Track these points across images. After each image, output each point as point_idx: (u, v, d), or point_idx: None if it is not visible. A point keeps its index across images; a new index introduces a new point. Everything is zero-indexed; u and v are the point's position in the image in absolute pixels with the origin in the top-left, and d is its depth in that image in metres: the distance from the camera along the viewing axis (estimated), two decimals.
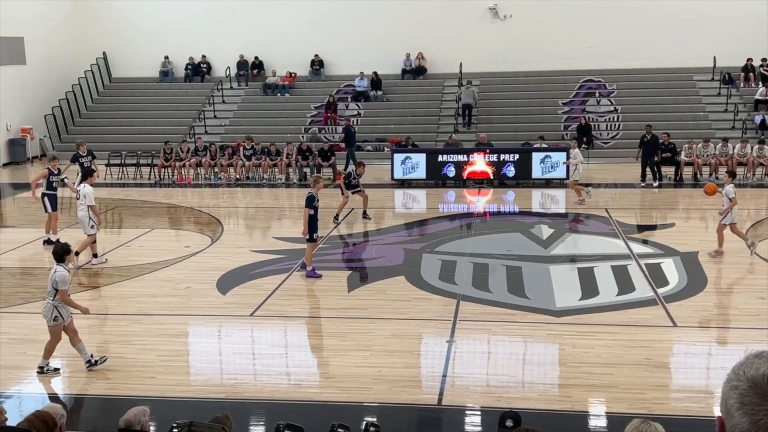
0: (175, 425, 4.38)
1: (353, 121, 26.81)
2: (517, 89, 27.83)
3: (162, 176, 23.00)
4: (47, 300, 9.16)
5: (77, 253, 13.57)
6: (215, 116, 27.70)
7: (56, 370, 9.35)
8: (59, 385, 9.31)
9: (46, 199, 15.09)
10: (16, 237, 15.07)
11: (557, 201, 20.26)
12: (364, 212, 17.24)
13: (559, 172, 21.23)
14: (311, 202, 12.89)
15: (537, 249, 14.71)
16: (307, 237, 12.90)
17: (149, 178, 23.11)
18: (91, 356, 9.32)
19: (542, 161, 21.45)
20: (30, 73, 27.21)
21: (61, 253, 9.29)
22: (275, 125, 26.61)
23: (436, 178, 21.71)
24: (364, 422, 7.30)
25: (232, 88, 28.89)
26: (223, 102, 28.22)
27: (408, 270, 13.38)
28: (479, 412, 8.35)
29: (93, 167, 17.29)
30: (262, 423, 8.22)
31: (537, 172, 21.42)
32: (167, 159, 22.96)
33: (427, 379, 9.16)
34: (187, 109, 28.18)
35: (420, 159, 21.70)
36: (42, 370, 9.25)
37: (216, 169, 23.00)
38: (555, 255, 14.22)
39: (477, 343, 10.32)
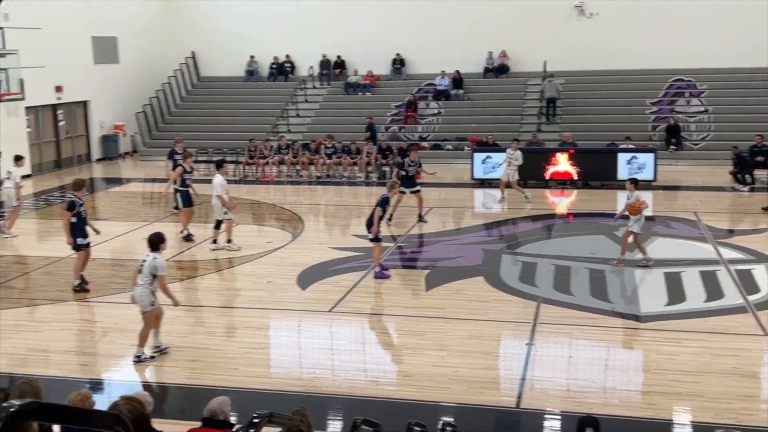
0: (255, 416, 4.45)
1: (436, 120, 26.81)
2: (602, 88, 27.26)
3: (246, 173, 23.47)
4: (142, 286, 9.35)
5: (229, 240, 14.53)
6: (298, 115, 28.10)
7: (152, 358, 9.54)
8: (146, 373, 9.60)
9: (178, 195, 15.60)
10: (108, 229, 15.58)
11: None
12: (420, 215, 16.90)
13: (646, 174, 20.70)
14: (385, 203, 12.95)
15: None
16: (372, 237, 12.91)
17: (234, 175, 23.59)
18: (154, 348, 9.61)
19: (628, 162, 20.95)
20: (123, 72, 28.19)
21: (157, 241, 9.53)
22: (356, 124, 26.80)
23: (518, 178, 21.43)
24: (441, 422, 7.27)
25: (314, 87, 29.25)
26: (306, 101, 28.60)
27: (487, 270, 13.26)
28: (558, 417, 8.21)
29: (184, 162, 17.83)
30: (339, 418, 8.28)
31: (623, 173, 20.93)
32: (251, 156, 23.42)
33: (505, 381, 9.06)
34: (271, 107, 28.68)
35: (501, 158, 21.44)
36: (139, 359, 9.45)
37: (298, 167, 23.34)
38: (640, 259, 13.85)
39: (557, 347, 10.15)
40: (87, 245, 12.36)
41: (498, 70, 28.30)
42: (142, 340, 9.48)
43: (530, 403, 8.39)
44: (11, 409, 2.32)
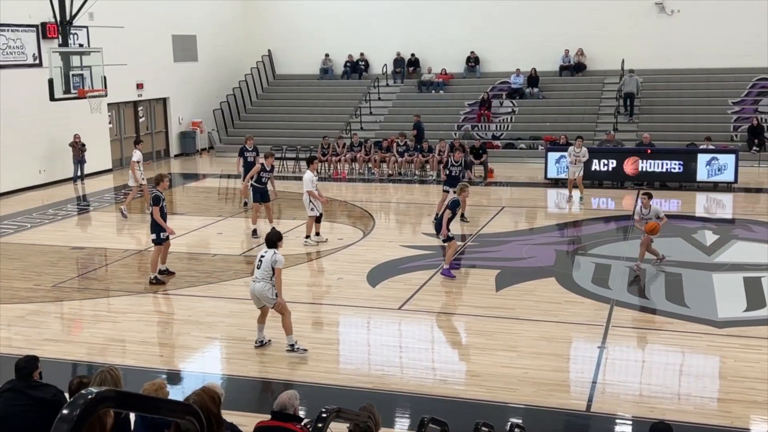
0: (323, 410, 4.50)
1: (509, 118, 26.57)
2: (682, 87, 26.51)
3: (319, 170, 23.70)
4: (263, 282, 9.49)
5: (308, 236, 14.86)
6: (371, 113, 28.23)
7: (305, 350, 9.61)
8: (218, 366, 9.82)
9: (251, 190, 15.94)
10: (184, 224, 16.01)
11: (723, 206, 19.16)
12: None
13: (727, 175, 20.07)
14: (455, 206, 12.90)
15: (699, 255, 13.98)
16: (444, 239, 12.87)
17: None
18: (265, 340, 9.86)
19: (708, 163, 20.35)
20: (201, 70, 28.84)
21: (275, 239, 9.71)
22: (428, 122, 26.73)
23: (591, 178, 21.08)
24: (509, 423, 7.23)
25: (387, 85, 29.34)
26: (379, 99, 28.71)
27: (559, 271, 13.08)
28: (630, 422, 8.04)
29: (256, 162, 18.16)
30: (407, 416, 8.30)
31: (702, 174, 20.36)
32: (324, 154, 23.65)
33: (575, 384, 8.92)
34: (345, 105, 28.89)
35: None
36: (292, 348, 9.56)
37: (369, 165, 23.46)
38: (719, 263, 13.45)
39: (630, 351, 9.94)
40: (167, 238, 12.76)
41: (574, 68, 27.84)
42: (288, 328, 9.62)
43: (601, 407, 8.24)
44: (89, 396, 2.40)
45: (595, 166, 21.04)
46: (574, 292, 12.06)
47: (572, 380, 9.09)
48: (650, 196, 13.29)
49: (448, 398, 8.46)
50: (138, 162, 17.87)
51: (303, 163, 24.18)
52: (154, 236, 12.66)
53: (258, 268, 9.58)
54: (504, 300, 11.66)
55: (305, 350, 9.63)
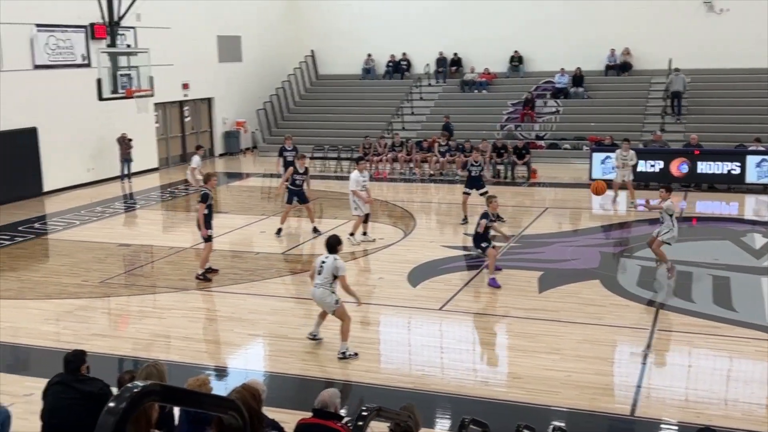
0: (364, 409, 4.50)
1: (553, 118, 26.34)
2: (731, 87, 25.97)
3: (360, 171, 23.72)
4: (322, 288, 9.43)
5: (352, 234, 14.85)
6: (413, 113, 28.21)
7: (355, 354, 9.55)
8: (260, 362, 9.89)
9: (286, 192, 15.95)
10: (228, 222, 16.17)
11: None
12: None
13: None
14: (485, 217, 12.66)
15: (748, 259, 13.69)
16: (481, 251, 12.72)
17: (348, 172, 23.94)
18: (318, 335, 9.93)
19: (758, 165, 19.92)
20: (245, 70, 29.12)
21: (335, 244, 9.58)
22: (471, 122, 26.65)
23: (637, 179, 20.78)
24: (551, 426, 7.15)
25: (430, 84, 29.29)
26: (421, 99, 28.67)
27: (604, 274, 12.92)
28: (675, 427, 7.90)
29: (295, 162, 18.23)
30: (447, 416, 8.27)
31: (752, 176, 19.93)
32: (366, 153, 23.69)
33: (619, 388, 8.80)
34: (387, 105, 28.91)
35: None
36: (344, 355, 9.45)
37: (411, 165, 23.43)
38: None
39: (676, 355, 9.77)
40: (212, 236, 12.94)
41: (620, 67, 27.48)
42: (345, 334, 9.53)
43: (646, 411, 8.12)
44: (135, 390, 2.44)
45: (642, 167, 20.73)
46: (619, 294, 11.90)
47: (616, 384, 8.96)
48: (669, 190, 13.04)
49: (489, 400, 8.41)
50: (195, 168, 18.36)
51: (345, 163, 24.32)
52: (206, 234, 12.69)
53: (319, 274, 9.48)
54: (547, 302, 11.55)
55: (356, 354, 9.58)
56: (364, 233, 15.18)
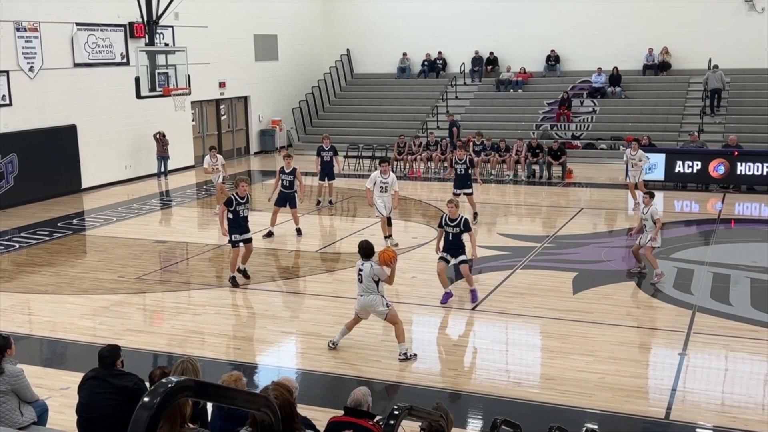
0: (396, 408, 4.50)
1: (590, 118, 26.10)
2: None
3: (394, 169, 23.75)
4: (372, 295, 9.34)
5: (388, 236, 14.62)
6: (448, 112, 28.12)
7: (414, 355, 9.51)
8: (293, 360, 9.95)
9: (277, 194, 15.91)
10: (262, 220, 16.25)
11: None
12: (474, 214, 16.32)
13: None
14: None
15: None
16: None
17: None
18: (338, 343, 9.77)
19: None
20: (281, 69, 29.29)
21: (371, 250, 9.45)
22: (506, 121, 26.51)
23: (675, 180, 20.52)
24: (585, 428, 7.09)
25: (465, 83, 29.18)
26: (456, 98, 28.58)
27: (639, 275, 12.76)
28: (711, 431, 7.79)
29: (334, 162, 18.41)
30: (479, 417, 8.24)
31: None
32: (400, 152, 23.70)
33: (654, 391, 8.69)
34: (422, 104, 28.87)
35: (659, 159, 20.59)
36: (406, 357, 9.38)
37: (445, 164, 23.37)
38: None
39: (712, 359, 9.63)
40: (244, 241, 12.45)
41: (659, 67, 27.12)
42: (401, 336, 9.45)
43: (681, 415, 8.01)
44: (169, 385, 2.46)
45: (679, 167, 20.47)
46: (654, 296, 11.76)
47: (651, 387, 8.86)
48: (652, 196, 12.71)
49: (522, 401, 8.36)
50: (206, 168, 18.53)
51: (377, 162, 24.31)
52: (227, 235, 12.48)
53: (360, 282, 9.41)
54: (581, 303, 11.45)
55: (415, 355, 9.54)
56: (388, 236, 14.72)
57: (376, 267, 9.30)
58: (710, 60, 25.48)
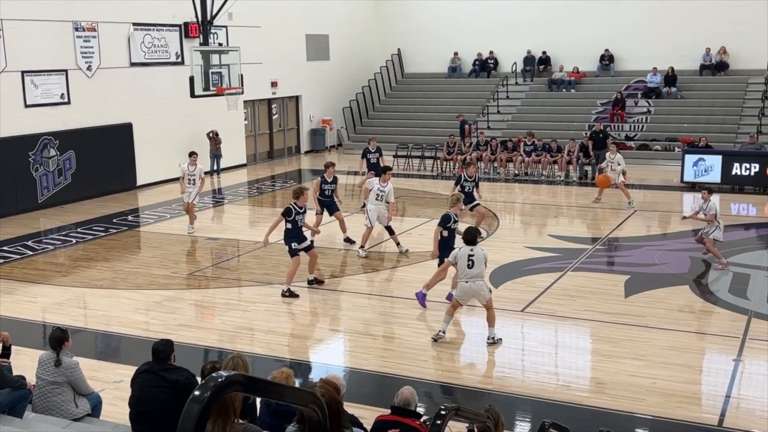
0: (442, 408, 4.49)
1: (644, 119, 25.68)
2: None
3: (444, 169, 23.71)
4: (478, 281, 9.79)
5: (361, 246, 14.33)
6: (498, 111, 27.96)
7: (500, 339, 9.97)
8: (340, 358, 9.99)
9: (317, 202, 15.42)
10: (311, 219, 16.35)
11: None
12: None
13: None
14: (446, 222, 11.40)
15: None
16: (438, 260, 11.47)
17: (432, 170, 23.94)
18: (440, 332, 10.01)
19: None
20: (332, 69, 29.45)
21: (475, 235, 10.08)
22: (558, 121, 26.23)
23: (731, 183, 20.06)
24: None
25: (517, 83, 28.96)
26: (507, 97, 28.38)
27: (694, 279, 12.51)
28: None
29: (380, 164, 18.32)
30: (527, 419, 8.17)
31: None
32: (450, 152, 23.63)
33: (707, 398, 8.51)
34: (472, 104, 28.73)
35: (715, 161, 20.16)
36: (493, 341, 9.89)
37: (495, 164, 23.24)
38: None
39: None
40: (304, 249, 12.04)
41: (716, 67, 26.53)
42: (492, 321, 9.93)
43: (734, 422, 7.82)
44: (220, 380, 2.50)
45: (736, 170, 20.00)
46: (709, 301, 11.52)
47: (704, 393, 8.68)
48: (711, 192, 13.69)
49: (570, 404, 8.26)
50: (182, 177, 16.24)
51: (429, 162, 24.29)
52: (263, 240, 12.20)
53: (470, 267, 9.67)
54: (633, 307, 11.27)
55: (501, 339, 9.94)
56: (398, 244, 14.38)
57: (484, 251, 9.85)
58: None
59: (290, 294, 11.96)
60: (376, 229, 14.82)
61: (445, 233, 11.42)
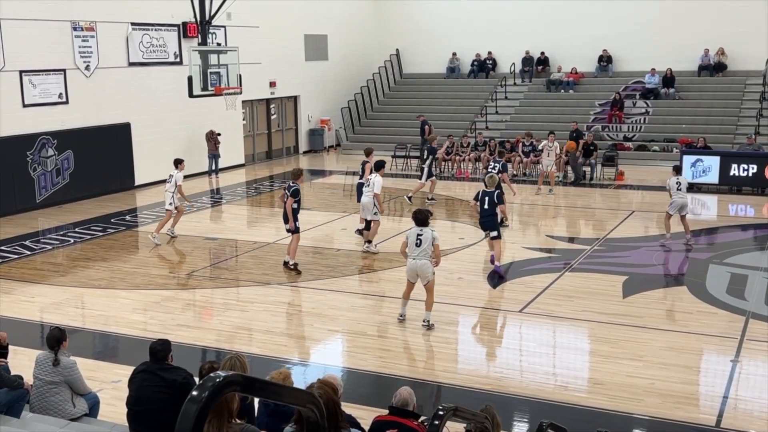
0: (440, 408, 4.49)
1: (642, 119, 25.69)
2: None
3: (442, 169, 23.71)
4: (425, 259, 10.19)
5: (369, 241, 14.51)
6: (497, 112, 27.96)
7: (433, 325, 10.39)
8: (338, 358, 9.99)
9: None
10: (310, 218, 16.38)
11: None
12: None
13: None
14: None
15: None
16: (292, 228, 13.03)
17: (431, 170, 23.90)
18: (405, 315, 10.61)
19: None
20: (330, 69, 29.44)
21: (427, 216, 10.41)
22: (556, 122, 26.22)
23: (729, 183, 20.08)
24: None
25: (515, 84, 28.97)
26: (506, 98, 28.39)
27: (691, 280, 12.53)
28: None
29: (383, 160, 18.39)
30: (525, 420, 8.18)
31: None
32: (448, 153, 23.63)
33: (705, 398, 8.52)
34: (471, 104, 28.74)
35: (713, 162, 20.19)
36: (428, 324, 10.34)
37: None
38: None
39: (767, 366, 9.39)
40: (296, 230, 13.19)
41: (714, 68, 26.55)
42: (431, 306, 10.39)
43: (732, 423, 7.83)
44: (218, 380, 2.50)
45: (734, 170, 20.03)
46: (706, 302, 11.52)
47: (701, 394, 8.69)
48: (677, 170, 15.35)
49: (568, 405, 8.26)
50: (179, 184, 15.62)
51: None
52: (289, 225, 13.06)
53: (417, 246, 10.17)
54: (631, 307, 11.28)
55: (434, 325, 10.34)
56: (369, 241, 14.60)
57: (435, 232, 10.25)
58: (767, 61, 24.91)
59: (295, 269, 13.05)
60: (381, 228, 14.93)
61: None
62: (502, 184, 15.02)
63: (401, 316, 10.64)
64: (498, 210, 13.22)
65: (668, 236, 14.67)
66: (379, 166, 14.90)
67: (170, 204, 15.47)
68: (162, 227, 15.58)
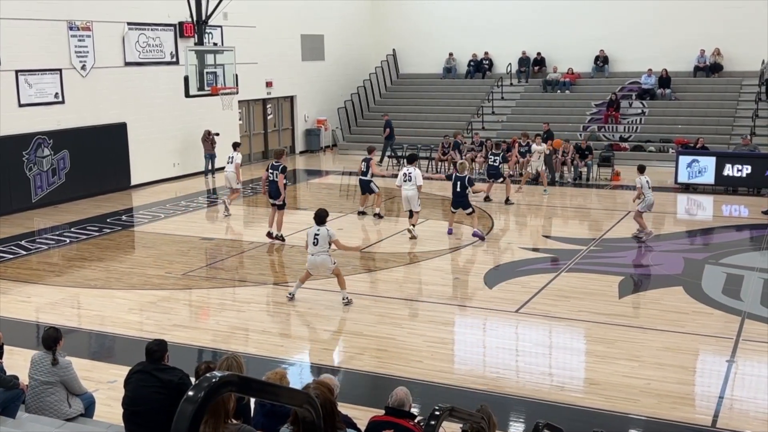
0: (437, 408, 4.49)
1: (638, 120, 25.72)
2: None
3: (439, 169, 23.73)
4: (324, 255, 11.19)
5: (414, 237, 15.18)
6: (493, 112, 27.98)
7: (351, 301, 11.36)
8: (334, 358, 9.99)
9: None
10: (307, 218, 16.35)
11: None
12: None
13: None
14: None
15: None
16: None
17: (426, 171, 23.93)
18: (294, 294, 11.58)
19: None
20: (327, 69, 29.43)
21: (324, 216, 11.39)
22: (553, 122, 26.21)
23: (725, 184, 20.12)
24: None
25: (512, 84, 28.99)
26: (502, 98, 28.41)
27: (687, 281, 12.55)
28: None
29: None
30: (521, 420, 8.18)
31: None
32: (444, 153, 23.63)
33: (701, 398, 8.54)
34: (467, 104, 28.76)
35: (709, 162, 20.22)
36: (348, 300, 11.32)
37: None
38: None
39: (762, 366, 9.41)
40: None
41: (710, 69, 26.60)
42: (343, 284, 11.40)
43: (728, 423, 7.84)
44: (214, 380, 2.49)
45: (729, 171, 20.08)
46: (702, 302, 11.54)
47: (697, 394, 8.70)
48: (641, 169, 15.36)
49: (565, 405, 8.27)
50: (238, 163, 17.91)
51: (424, 162, 24.27)
52: (279, 201, 14.70)
53: (315, 244, 11.15)
54: (627, 308, 11.29)
55: (351, 301, 11.30)
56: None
57: (331, 231, 11.30)
58: (764, 62, 24.93)
59: (281, 239, 14.74)
60: (379, 228, 15.00)
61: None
62: (506, 167, 16.80)
63: (290, 294, 11.58)
64: (470, 191, 15.01)
65: (649, 231, 15.16)
66: (412, 159, 16.52)
67: (238, 183, 17.84)
68: (231, 201, 17.95)
